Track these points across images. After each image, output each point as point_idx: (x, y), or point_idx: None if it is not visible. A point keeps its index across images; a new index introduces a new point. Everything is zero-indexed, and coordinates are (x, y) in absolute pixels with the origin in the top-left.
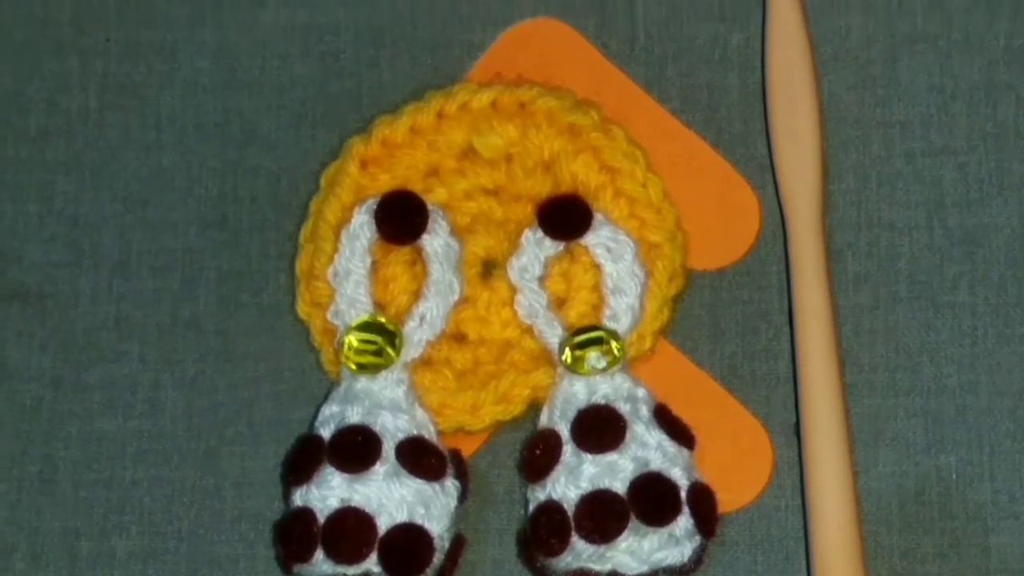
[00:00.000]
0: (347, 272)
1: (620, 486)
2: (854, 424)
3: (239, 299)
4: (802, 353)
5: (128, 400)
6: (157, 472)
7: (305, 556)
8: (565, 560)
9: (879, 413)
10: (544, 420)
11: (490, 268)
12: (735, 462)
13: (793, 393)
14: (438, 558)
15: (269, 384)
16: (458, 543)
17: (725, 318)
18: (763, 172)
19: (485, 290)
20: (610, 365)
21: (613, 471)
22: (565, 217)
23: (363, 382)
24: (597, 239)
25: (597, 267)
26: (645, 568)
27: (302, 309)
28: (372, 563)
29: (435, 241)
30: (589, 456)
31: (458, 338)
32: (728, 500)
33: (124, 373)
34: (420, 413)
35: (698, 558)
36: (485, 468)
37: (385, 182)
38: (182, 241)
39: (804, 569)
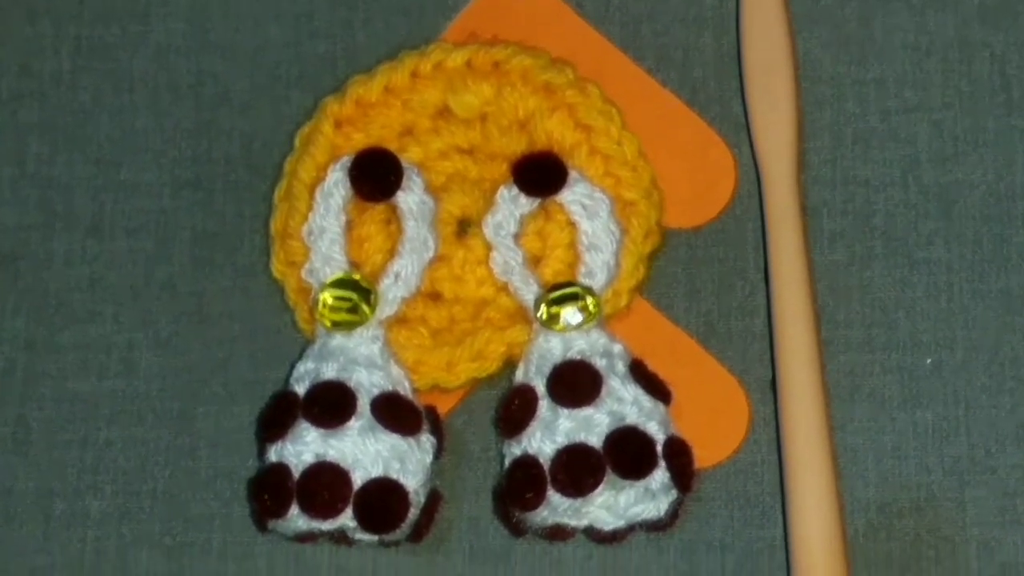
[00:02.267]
0: (321, 230)
1: (596, 440)
2: (830, 380)
3: (213, 260)
4: (778, 310)
5: (102, 361)
6: (131, 432)
7: (279, 512)
8: (541, 515)
9: (855, 369)
10: (520, 376)
11: (465, 227)
12: (711, 418)
13: (769, 350)
14: (413, 513)
15: (244, 344)
16: (434, 498)
17: (701, 276)
18: (738, 131)
19: (460, 248)
20: (586, 321)
21: (589, 425)
22: (540, 174)
23: (338, 339)
24: (572, 196)
25: (572, 225)
26: (621, 523)
27: (277, 268)
28: (347, 518)
29: (410, 198)
30: (565, 411)
31: (433, 296)
32: (705, 456)
33: (98, 334)
34: (395, 370)
35: (674, 512)
36: (461, 426)
37: (359, 141)
38: (155, 202)
39: (780, 524)
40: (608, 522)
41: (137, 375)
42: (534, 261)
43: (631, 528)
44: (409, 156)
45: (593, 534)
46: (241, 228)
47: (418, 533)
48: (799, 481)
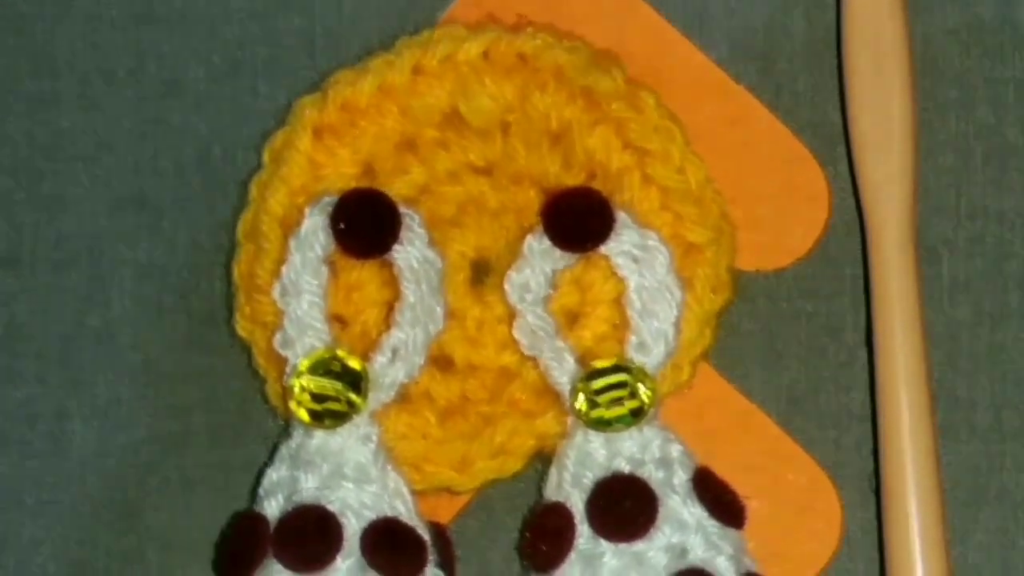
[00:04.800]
0: (297, 289)
1: None
2: (947, 477)
3: (161, 303)
4: (883, 384)
5: (24, 435)
6: (63, 530)
7: None
8: None
9: (980, 464)
10: (551, 488)
11: (482, 273)
12: (795, 524)
13: (870, 435)
14: None
15: (202, 415)
16: None
17: (784, 336)
18: (834, 144)
19: (476, 303)
20: (637, 420)
21: (641, 566)
22: (578, 222)
23: (319, 438)
24: (620, 247)
25: (618, 275)
26: None
27: (242, 326)
28: None
29: (410, 254)
30: (610, 545)
31: (442, 364)
32: (785, 574)
33: (18, 398)
34: (393, 479)
35: None
36: (475, 531)
37: (345, 160)
38: (88, 226)
39: None
40: None
41: (68, 454)
42: (570, 319)
43: None
44: (409, 180)
45: None
46: (197, 262)
47: None
48: None
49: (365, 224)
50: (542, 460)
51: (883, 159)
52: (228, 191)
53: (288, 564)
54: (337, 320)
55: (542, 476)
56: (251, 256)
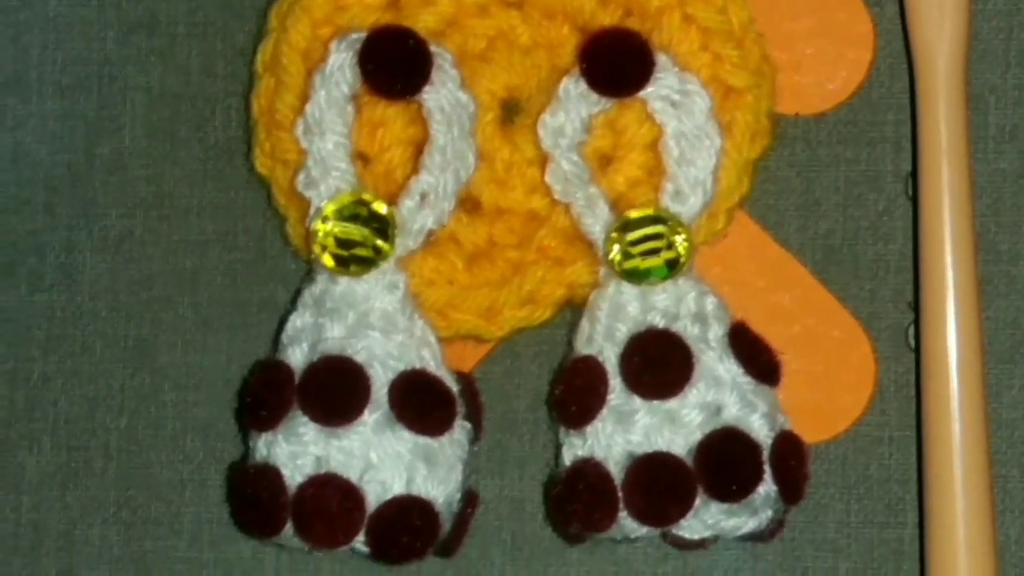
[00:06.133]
0: (321, 128)
1: (683, 446)
2: (987, 332)
3: (175, 131)
4: (925, 235)
5: (33, 266)
6: (75, 364)
7: (269, 530)
8: (608, 534)
9: (1019, 319)
10: (583, 339)
11: (512, 112)
12: (826, 377)
13: (907, 287)
14: (444, 531)
15: (218, 250)
16: (469, 503)
17: (822, 183)
18: None
19: (505, 144)
20: (673, 271)
21: (675, 424)
22: (618, 66)
23: (344, 284)
24: (658, 91)
25: (654, 119)
26: (708, 534)
27: (261, 162)
28: (359, 542)
29: (441, 96)
30: (643, 402)
31: (469, 206)
32: (815, 428)
33: (27, 229)
34: (420, 328)
35: (779, 523)
36: (500, 377)
37: None
38: (97, 50)
39: (913, 521)
40: (695, 530)
41: (79, 287)
42: (603, 162)
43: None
44: (436, 11)
45: (673, 539)
46: (211, 90)
47: (448, 548)
48: (940, 468)
49: (396, 64)
50: (571, 309)
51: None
52: (245, 15)
53: (314, 417)
54: (360, 157)
55: (572, 327)
56: (271, 90)
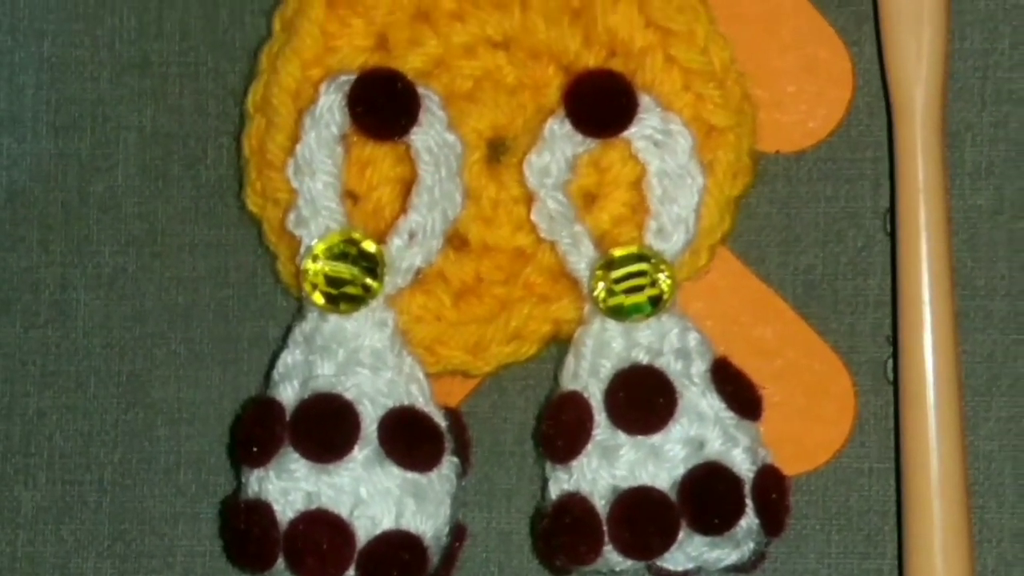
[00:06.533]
0: (311, 168)
1: (667, 480)
2: (964, 366)
3: (167, 170)
4: (903, 270)
5: (28, 302)
6: (69, 400)
7: (261, 564)
8: (593, 566)
9: (995, 353)
10: (568, 375)
11: (498, 151)
12: (807, 410)
13: (885, 322)
14: (432, 564)
15: (210, 287)
16: (457, 536)
17: (802, 219)
18: (860, 23)
19: (492, 182)
20: (656, 309)
21: (659, 458)
22: (602, 108)
23: (334, 322)
24: (642, 131)
25: (638, 158)
26: (691, 566)
27: (252, 201)
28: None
29: (429, 137)
30: (628, 437)
31: (456, 243)
32: (797, 460)
33: (22, 266)
34: (408, 365)
35: (759, 556)
36: (487, 412)
37: (359, 31)
38: (91, 90)
39: (892, 552)
40: (678, 562)
41: (73, 323)
42: (587, 200)
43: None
44: (424, 52)
45: (657, 572)
46: (202, 129)
47: None
48: (919, 499)
49: (384, 106)
50: (557, 345)
51: (913, 35)
52: (236, 56)
53: (305, 454)
54: (349, 195)
55: (557, 362)
56: (262, 130)
